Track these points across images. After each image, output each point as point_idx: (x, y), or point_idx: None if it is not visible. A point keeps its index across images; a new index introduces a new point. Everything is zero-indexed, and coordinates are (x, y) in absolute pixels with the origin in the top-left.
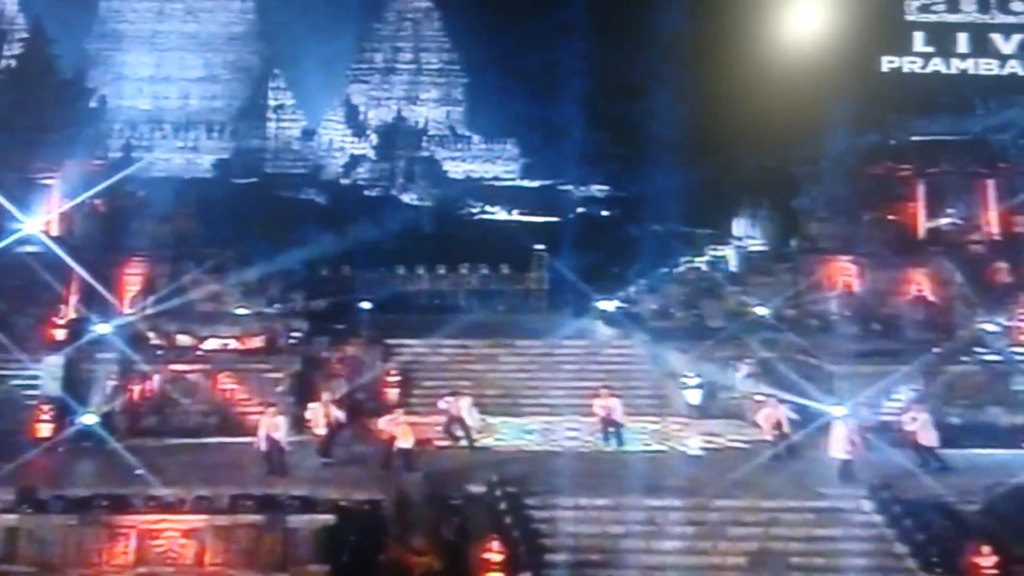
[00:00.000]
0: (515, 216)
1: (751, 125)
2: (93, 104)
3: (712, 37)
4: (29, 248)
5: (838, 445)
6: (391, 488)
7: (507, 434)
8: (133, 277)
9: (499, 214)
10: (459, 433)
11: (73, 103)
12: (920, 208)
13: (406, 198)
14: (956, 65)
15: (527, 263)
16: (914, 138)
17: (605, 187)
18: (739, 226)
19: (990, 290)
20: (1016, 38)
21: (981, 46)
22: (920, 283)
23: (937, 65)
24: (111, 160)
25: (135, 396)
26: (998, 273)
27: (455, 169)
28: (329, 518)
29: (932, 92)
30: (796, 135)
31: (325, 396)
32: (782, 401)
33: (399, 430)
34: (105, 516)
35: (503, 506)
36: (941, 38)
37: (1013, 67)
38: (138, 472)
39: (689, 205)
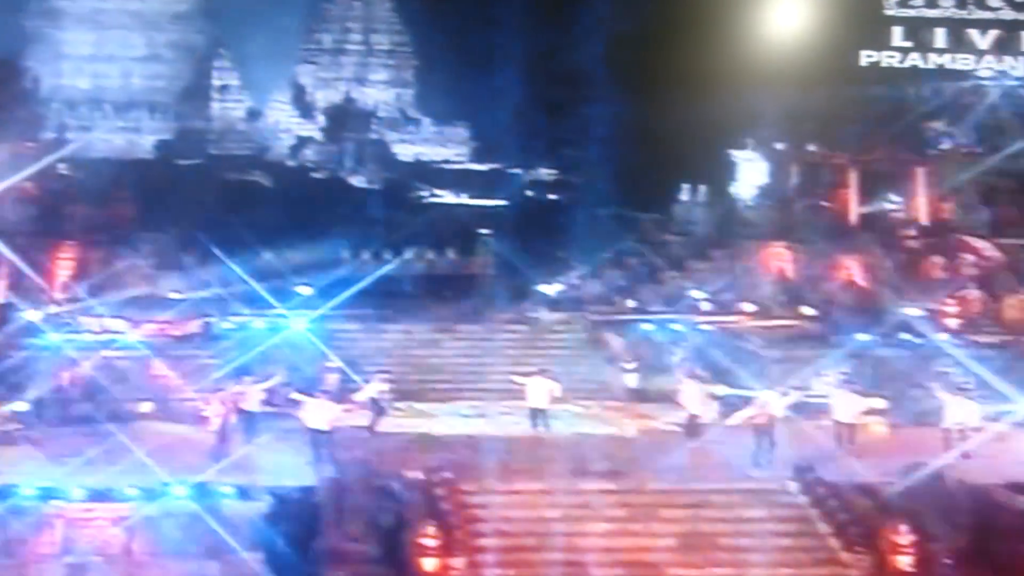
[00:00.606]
0: (464, 200)
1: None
2: (27, 84)
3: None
4: None
5: (752, 424)
6: (326, 474)
7: (447, 419)
8: (66, 262)
9: (448, 197)
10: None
11: (5, 84)
12: (852, 195)
13: (354, 181)
14: (933, 60)
15: (473, 247)
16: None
17: (553, 171)
18: (680, 212)
19: (918, 276)
20: (992, 33)
21: (958, 41)
22: (851, 268)
23: (915, 60)
24: (44, 142)
25: (66, 382)
26: (927, 260)
27: (405, 152)
28: (263, 505)
29: (868, 81)
30: (737, 122)
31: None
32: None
33: (318, 414)
34: (31, 505)
35: (439, 491)
36: (919, 33)
37: (989, 62)
38: (66, 459)
39: (633, 190)
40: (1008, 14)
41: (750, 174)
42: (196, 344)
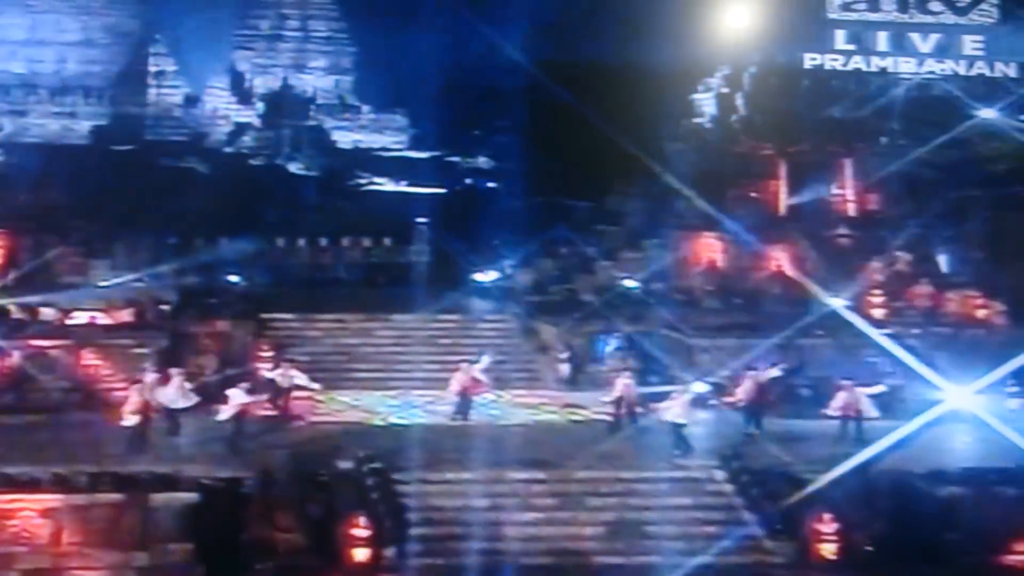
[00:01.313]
0: (403, 187)
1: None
2: None
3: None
4: None
5: (675, 413)
6: (256, 465)
7: (379, 409)
8: None
9: (387, 185)
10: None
11: None
12: (781, 186)
13: (292, 168)
14: (876, 63)
15: (410, 235)
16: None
17: (491, 159)
18: (613, 201)
19: (844, 266)
20: (934, 38)
21: (900, 45)
22: (779, 259)
23: (858, 63)
24: None
25: None
26: (854, 251)
27: (343, 139)
28: (192, 496)
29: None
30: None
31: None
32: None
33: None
34: None
35: (370, 482)
36: (862, 37)
37: (930, 66)
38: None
39: (569, 179)
40: (949, 18)
41: (682, 165)
42: (126, 333)
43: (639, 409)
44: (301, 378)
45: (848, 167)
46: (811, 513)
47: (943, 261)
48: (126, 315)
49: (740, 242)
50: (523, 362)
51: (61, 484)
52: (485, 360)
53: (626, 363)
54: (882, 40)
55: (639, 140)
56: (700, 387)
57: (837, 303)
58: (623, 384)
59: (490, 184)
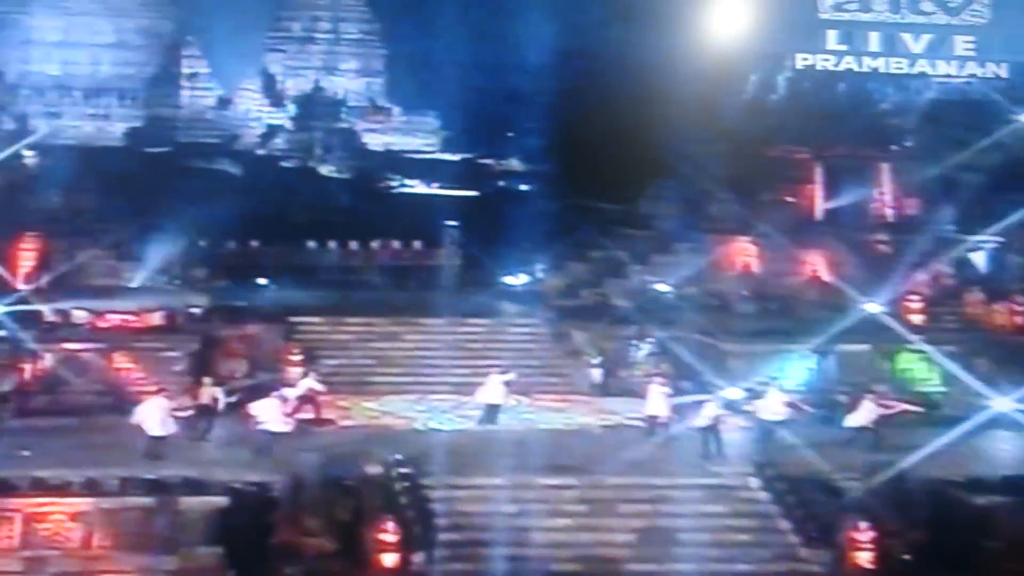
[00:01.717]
0: (434, 190)
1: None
2: None
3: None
4: None
5: (704, 419)
6: (285, 469)
7: (407, 413)
8: (27, 252)
9: (418, 187)
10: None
11: None
12: (817, 190)
13: (323, 170)
14: (868, 63)
15: (440, 239)
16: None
17: (522, 162)
18: (645, 205)
19: (881, 271)
20: (925, 38)
21: (891, 45)
22: (815, 264)
23: (849, 63)
24: (4, 132)
25: (26, 375)
26: (891, 256)
27: (374, 141)
28: (221, 500)
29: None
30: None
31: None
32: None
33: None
34: None
35: (399, 486)
36: (853, 37)
37: (922, 66)
38: (24, 453)
39: (601, 182)
40: (941, 18)
41: (715, 168)
42: (157, 337)
43: (671, 415)
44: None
45: (885, 171)
46: (847, 521)
47: (983, 267)
48: (157, 318)
49: (775, 246)
50: (554, 367)
51: (92, 488)
52: (510, 376)
53: (658, 368)
54: (874, 40)
55: (671, 143)
56: (733, 393)
57: (874, 308)
58: (655, 390)
59: (521, 187)
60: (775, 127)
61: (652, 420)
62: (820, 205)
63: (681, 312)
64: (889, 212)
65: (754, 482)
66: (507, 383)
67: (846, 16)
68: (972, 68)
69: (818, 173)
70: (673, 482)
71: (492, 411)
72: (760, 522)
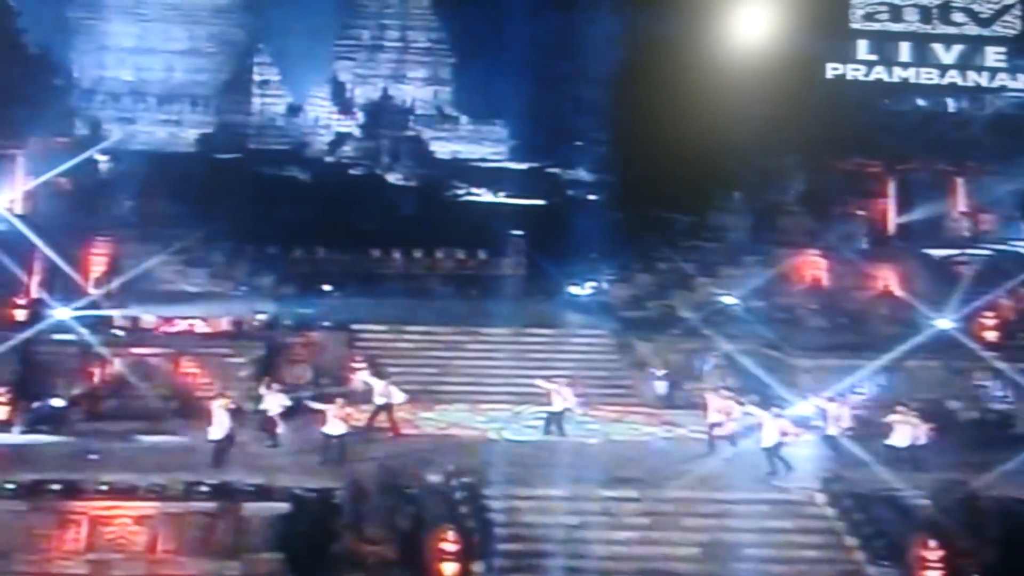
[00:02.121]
0: (501, 198)
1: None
2: (59, 81)
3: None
4: None
5: (768, 436)
6: (346, 477)
7: (469, 423)
8: (98, 257)
9: (485, 196)
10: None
11: (37, 79)
12: (889, 204)
13: (391, 178)
14: (898, 74)
15: (504, 248)
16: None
17: (590, 171)
18: (714, 217)
19: (955, 287)
20: (956, 48)
21: (922, 55)
22: (886, 278)
23: (880, 73)
24: (77, 137)
25: (95, 379)
26: (964, 271)
27: (441, 149)
28: (283, 506)
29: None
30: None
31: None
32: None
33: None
34: (56, 502)
35: (459, 496)
36: (884, 47)
37: (952, 77)
38: (92, 457)
39: (669, 193)
40: (972, 29)
41: (785, 181)
42: (223, 342)
43: (738, 428)
44: (398, 395)
45: (960, 186)
46: (916, 539)
47: None
48: (224, 323)
49: (845, 260)
50: (618, 378)
51: (157, 492)
52: (565, 385)
53: (725, 381)
54: (904, 50)
55: (742, 154)
56: (804, 408)
57: (946, 324)
58: (719, 403)
59: (588, 196)
60: (848, 139)
61: (712, 431)
62: (893, 219)
63: (749, 325)
64: (964, 227)
65: (820, 498)
66: (573, 392)
67: (877, 26)
68: (1003, 79)
69: (891, 187)
70: (738, 496)
71: (557, 419)
72: (826, 538)
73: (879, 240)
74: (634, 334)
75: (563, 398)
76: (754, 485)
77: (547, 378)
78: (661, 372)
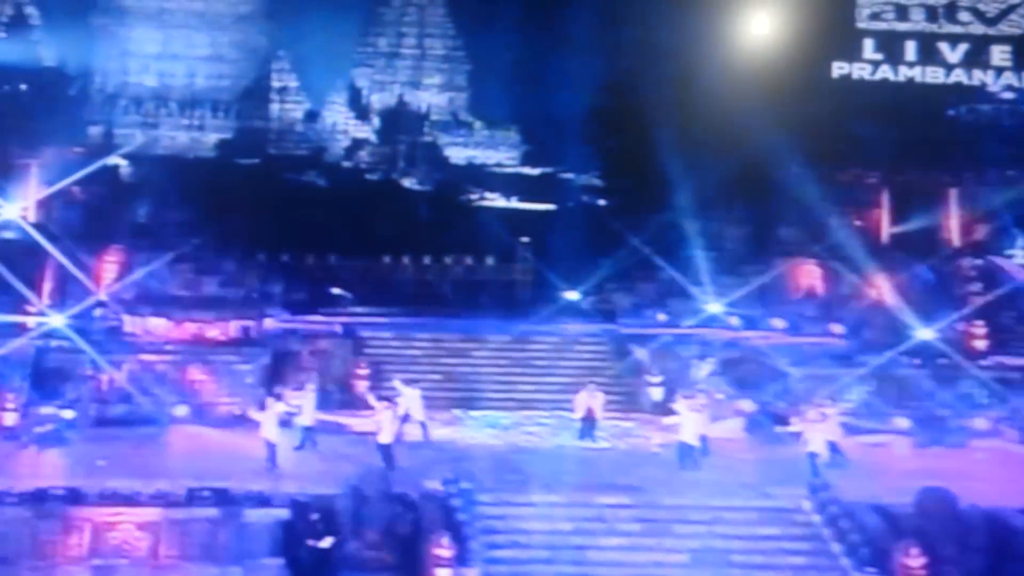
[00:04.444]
0: (514, 203)
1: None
2: (73, 92)
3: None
4: (6, 234)
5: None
6: (347, 483)
7: (472, 429)
8: (111, 264)
9: (498, 201)
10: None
11: (52, 91)
12: (884, 214)
13: (406, 183)
14: (904, 73)
15: (513, 254)
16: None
17: (600, 178)
18: (714, 226)
19: (947, 296)
20: (962, 47)
21: (928, 54)
22: (880, 287)
23: (885, 72)
24: (92, 146)
25: (103, 385)
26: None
27: (457, 155)
28: (284, 512)
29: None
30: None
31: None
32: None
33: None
34: (59, 508)
35: (456, 502)
36: (890, 46)
37: (958, 76)
38: (100, 463)
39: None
40: (978, 28)
41: (782, 191)
42: (231, 349)
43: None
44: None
45: (954, 196)
46: (900, 546)
47: None
48: (233, 330)
49: (841, 269)
50: (617, 385)
51: (160, 498)
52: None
53: (719, 388)
54: (910, 49)
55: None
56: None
57: (933, 334)
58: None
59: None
60: (846, 151)
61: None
62: (887, 229)
63: (744, 333)
64: (957, 237)
65: (808, 505)
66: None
67: (883, 26)
68: (1009, 78)
69: (886, 197)
70: (728, 503)
71: (587, 425)
72: (813, 545)
73: (874, 249)
74: (632, 341)
75: (591, 404)
76: (745, 492)
77: (579, 386)
78: (657, 379)
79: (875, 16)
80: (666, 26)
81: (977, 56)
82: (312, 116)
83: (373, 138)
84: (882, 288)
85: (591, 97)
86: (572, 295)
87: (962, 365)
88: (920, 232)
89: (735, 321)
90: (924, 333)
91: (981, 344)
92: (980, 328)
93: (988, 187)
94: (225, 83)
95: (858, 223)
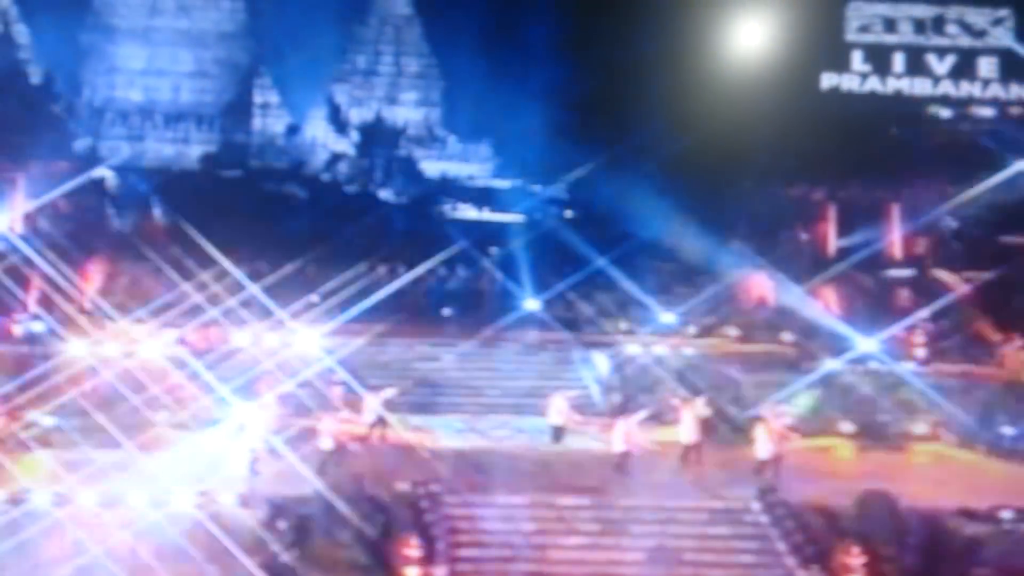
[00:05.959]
0: (486, 214)
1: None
2: (58, 107)
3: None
4: None
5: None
6: (321, 485)
7: (438, 432)
8: (94, 273)
9: (470, 212)
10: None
11: (39, 107)
12: (831, 228)
13: (383, 195)
14: (892, 84)
15: (483, 263)
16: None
17: (567, 191)
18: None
19: (889, 307)
20: (949, 59)
21: (916, 66)
22: (827, 298)
23: (873, 84)
24: (77, 160)
25: (87, 391)
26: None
27: (431, 168)
28: (260, 512)
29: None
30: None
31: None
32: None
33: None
34: (46, 509)
35: (424, 503)
36: (878, 58)
37: (946, 87)
38: (91, 464)
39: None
40: (965, 41)
41: (734, 206)
42: (213, 355)
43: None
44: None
45: (897, 211)
46: (841, 545)
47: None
48: (214, 336)
49: (789, 281)
50: (578, 390)
51: (141, 499)
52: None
53: (676, 394)
54: (898, 61)
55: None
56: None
57: (875, 344)
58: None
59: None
60: (796, 166)
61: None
62: (833, 242)
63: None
64: (899, 251)
65: (756, 505)
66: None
67: (871, 38)
68: (995, 90)
69: (832, 212)
70: (682, 504)
71: (558, 430)
72: (760, 544)
73: (820, 262)
74: (593, 348)
75: (560, 409)
76: (698, 493)
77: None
78: (616, 384)
79: (863, 28)
80: (651, 39)
81: (964, 68)
82: (293, 130)
83: (351, 152)
84: (828, 299)
85: (560, 112)
86: (535, 304)
87: (903, 372)
88: (864, 246)
89: (691, 330)
90: (867, 342)
91: (921, 352)
92: (920, 337)
93: (929, 203)
94: (209, 98)
95: (805, 236)
